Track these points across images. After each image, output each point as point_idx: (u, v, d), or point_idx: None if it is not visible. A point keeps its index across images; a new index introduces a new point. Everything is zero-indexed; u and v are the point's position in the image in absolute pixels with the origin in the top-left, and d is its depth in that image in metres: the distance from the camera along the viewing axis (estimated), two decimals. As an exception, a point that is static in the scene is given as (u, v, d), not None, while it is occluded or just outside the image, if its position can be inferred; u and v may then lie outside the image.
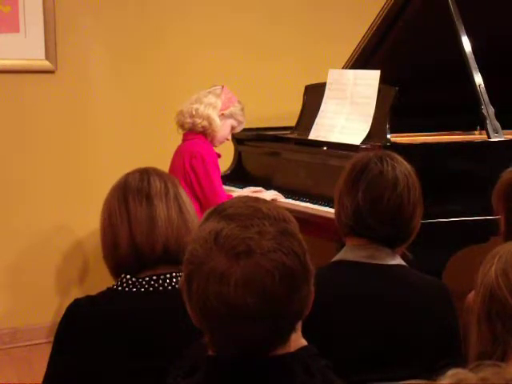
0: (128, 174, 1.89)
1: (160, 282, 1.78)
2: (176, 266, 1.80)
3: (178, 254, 1.77)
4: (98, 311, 1.76)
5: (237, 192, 3.63)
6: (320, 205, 3.31)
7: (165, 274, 1.79)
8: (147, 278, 1.78)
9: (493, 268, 1.47)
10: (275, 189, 3.60)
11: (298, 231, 1.29)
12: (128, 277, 1.79)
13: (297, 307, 1.24)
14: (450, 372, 0.92)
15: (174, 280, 1.79)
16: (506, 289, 1.44)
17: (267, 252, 1.20)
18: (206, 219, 1.28)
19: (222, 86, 3.61)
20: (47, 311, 4.05)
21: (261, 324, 1.20)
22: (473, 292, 1.84)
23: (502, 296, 1.44)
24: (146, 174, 1.87)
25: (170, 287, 1.79)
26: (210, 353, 1.28)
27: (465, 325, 1.93)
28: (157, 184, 1.84)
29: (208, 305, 1.21)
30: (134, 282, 1.78)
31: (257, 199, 1.32)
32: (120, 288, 1.79)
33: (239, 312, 1.19)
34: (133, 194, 1.82)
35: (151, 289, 1.78)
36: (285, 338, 1.26)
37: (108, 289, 1.83)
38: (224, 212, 1.27)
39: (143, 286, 1.78)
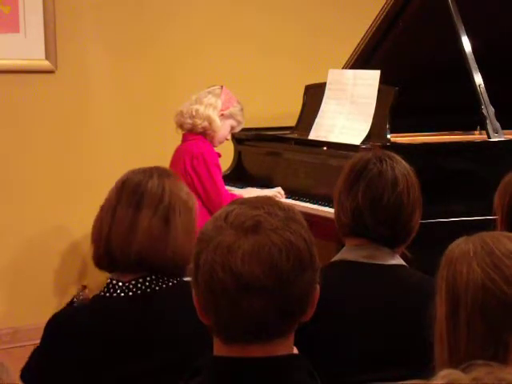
0: (132, 172, 1.86)
1: (147, 283, 1.77)
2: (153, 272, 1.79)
3: (156, 263, 1.77)
4: (83, 324, 1.76)
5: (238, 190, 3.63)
6: (320, 205, 3.31)
7: (151, 276, 1.78)
8: (133, 282, 1.77)
9: (474, 264, 1.38)
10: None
11: (306, 226, 1.31)
12: (114, 282, 1.78)
13: (300, 291, 1.25)
14: (443, 372, 0.92)
15: (161, 281, 1.78)
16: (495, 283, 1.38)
17: (275, 229, 1.24)
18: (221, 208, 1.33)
19: (221, 86, 3.61)
20: (47, 311, 4.02)
21: (265, 299, 1.21)
22: None
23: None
24: (148, 176, 1.82)
25: (157, 288, 1.78)
26: (215, 346, 1.28)
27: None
28: (154, 191, 1.79)
29: (214, 277, 1.22)
30: (121, 287, 1.77)
31: (269, 196, 1.42)
32: (108, 294, 1.77)
33: (245, 282, 1.20)
34: (127, 194, 1.80)
35: (139, 292, 1.77)
36: (286, 327, 1.26)
37: (94, 297, 1.83)
38: (237, 200, 1.33)
39: (131, 290, 1.77)
